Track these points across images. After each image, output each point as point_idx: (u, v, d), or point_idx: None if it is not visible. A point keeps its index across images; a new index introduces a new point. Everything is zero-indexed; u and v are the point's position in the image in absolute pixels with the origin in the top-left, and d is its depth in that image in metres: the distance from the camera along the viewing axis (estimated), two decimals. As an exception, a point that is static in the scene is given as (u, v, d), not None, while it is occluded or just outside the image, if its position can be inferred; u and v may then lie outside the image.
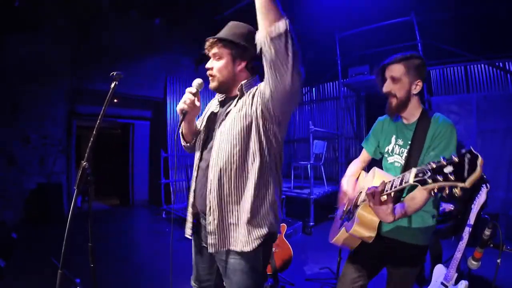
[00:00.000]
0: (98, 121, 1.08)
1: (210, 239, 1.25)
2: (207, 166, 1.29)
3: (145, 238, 4.97)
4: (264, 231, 1.24)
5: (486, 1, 4.85)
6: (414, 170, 0.92)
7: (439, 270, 2.08)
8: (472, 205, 2.08)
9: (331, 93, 8.24)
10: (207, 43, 1.30)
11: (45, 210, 5.20)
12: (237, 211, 1.24)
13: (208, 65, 1.31)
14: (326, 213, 5.80)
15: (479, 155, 0.75)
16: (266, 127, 1.23)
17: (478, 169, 0.73)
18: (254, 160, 1.23)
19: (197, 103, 1.33)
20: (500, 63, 5.43)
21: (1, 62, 4.96)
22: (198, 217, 1.38)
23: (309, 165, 5.68)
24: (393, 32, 5.54)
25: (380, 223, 1.35)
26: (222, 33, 1.30)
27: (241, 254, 1.23)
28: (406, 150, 1.43)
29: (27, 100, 5.26)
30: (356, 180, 1.63)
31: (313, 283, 3.07)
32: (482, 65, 5.62)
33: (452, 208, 2.78)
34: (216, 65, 1.29)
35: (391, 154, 1.53)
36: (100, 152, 8.12)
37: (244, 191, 1.24)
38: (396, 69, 1.40)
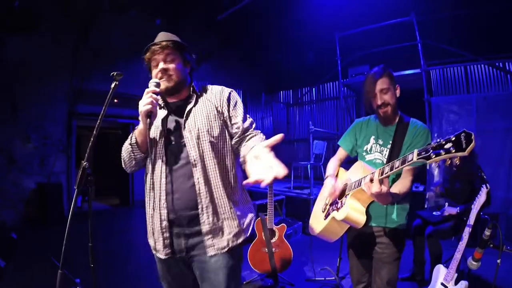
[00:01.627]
0: (98, 121, 1.08)
1: (208, 240, 1.25)
2: (182, 165, 1.27)
3: (145, 238, 4.96)
4: (250, 216, 1.39)
5: (486, 1, 4.86)
6: (416, 151, 1.10)
7: (439, 271, 2.09)
8: (472, 206, 2.08)
9: (331, 93, 8.24)
10: (157, 47, 1.28)
11: (45, 210, 5.20)
12: (227, 204, 1.29)
13: (162, 67, 1.29)
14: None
15: (472, 132, 0.95)
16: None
17: (473, 141, 0.93)
18: (229, 150, 1.35)
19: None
20: (500, 63, 5.43)
21: (1, 62, 4.97)
22: (171, 229, 1.28)
23: (309, 165, 5.68)
24: (393, 32, 5.53)
25: (368, 212, 1.50)
26: (165, 39, 1.32)
27: (228, 250, 1.27)
28: (386, 149, 1.64)
29: (27, 100, 5.27)
30: (336, 177, 1.77)
31: (313, 284, 3.07)
32: (482, 65, 5.62)
33: (458, 211, 2.77)
34: (172, 66, 1.30)
35: (369, 152, 1.70)
36: (101, 152, 8.12)
37: (229, 182, 1.31)
38: (382, 82, 1.61)
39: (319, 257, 3.68)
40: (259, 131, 1.37)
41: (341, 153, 1.87)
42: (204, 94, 1.39)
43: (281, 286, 2.96)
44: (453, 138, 0.99)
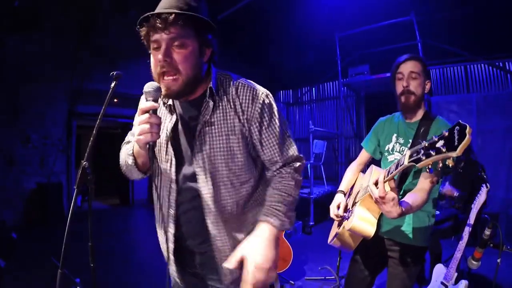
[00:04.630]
0: (98, 121, 1.08)
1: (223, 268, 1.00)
2: (192, 198, 1.01)
3: (145, 238, 4.97)
4: None
5: (486, 1, 4.85)
6: (408, 152, 0.94)
7: (439, 270, 2.09)
8: (472, 205, 2.08)
9: (331, 93, 8.25)
10: (159, 22, 0.84)
11: (45, 210, 5.20)
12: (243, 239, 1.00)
13: (164, 58, 0.85)
14: (326, 213, 5.81)
15: (467, 125, 0.77)
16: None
17: (467, 136, 0.75)
18: (256, 186, 1.04)
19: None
20: (500, 63, 5.43)
21: (1, 62, 4.96)
22: (181, 242, 1.08)
23: (309, 165, 5.68)
24: (393, 32, 5.54)
25: (380, 222, 1.36)
26: (174, 5, 0.86)
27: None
28: (406, 148, 1.44)
29: (27, 100, 5.26)
30: (349, 193, 1.64)
31: (313, 283, 3.08)
32: (482, 64, 5.62)
33: (456, 195, 2.74)
34: (179, 55, 0.86)
35: (391, 152, 1.53)
36: (101, 152, 8.12)
37: (249, 223, 1.02)
38: (414, 65, 1.42)
39: (319, 256, 3.68)
40: (295, 167, 1.01)
41: (363, 156, 1.71)
42: (225, 95, 0.97)
43: (281, 285, 2.96)
44: (446, 134, 0.81)
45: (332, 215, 1.56)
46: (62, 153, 5.76)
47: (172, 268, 1.12)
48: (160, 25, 0.84)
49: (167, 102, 1.03)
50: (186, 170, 1.01)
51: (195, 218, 1.01)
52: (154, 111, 0.88)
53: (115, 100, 6.22)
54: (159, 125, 0.88)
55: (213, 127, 0.96)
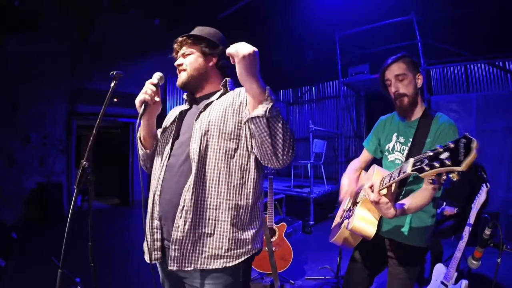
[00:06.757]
0: (98, 121, 1.08)
1: (172, 251, 1.05)
2: (182, 161, 1.12)
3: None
4: (247, 246, 1.10)
5: (486, 1, 4.85)
6: (411, 160, 0.93)
7: (439, 270, 2.09)
8: (472, 205, 2.08)
9: (331, 92, 8.24)
10: (176, 45, 1.26)
11: (45, 210, 5.21)
12: (216, 217, 1.06)
13: (177, 62, 1.25)
14: (326, 212, 5.81)
15: (474, 139, 0.76)
16: None
17: (473, 152, 0.75)
18: (244, 157, 1.11)
19: (157, 99, 1.22)
20: (500, 63, 5.43)
21: (1, 62, 4.96)
22: (162, 233, 1.15)
23: (309, 164, 5.68)
24: (393, 31, 5.53)
25: (380, 222, 1.36)
26: (194, 31, 1.29)
27: (213, 272, 1.07)
28: (407, 148, 1.42)
29: (27, 100, 5.27)
30: (357, 178, 1.62)
31: (313, 282, 3.08)
32: (482, 64, 5.62)
33: (456, 212, 2.78)
34: (186, 60, 1.23)
35: (391, 152, 1.52)
36: (100, 152, 8.11)
37: (228, 193, 1.07)
38: (398, 67, 1.42)
39: (320, 256, 3.68)
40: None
41: (364, 155, 1.70)
42: (235, 91, 1.23)
43: (281, 284, 2.96)
44: (452, 146, 0.79)
45: (344, 196, 1.53)
46: (62, 153, 5.76)
47: (146, 257, 1.22)
48: (177, 45, 1.27)
49: (189, 97, 1.30)
50: (184, 137, 1.18)
51: (180, 181, 1.10)
52: (155, 85, 1.21)
53: (115, 99, 6.23)
54: (154, 91, 1.19)
55: (217, 103, 1.19)
